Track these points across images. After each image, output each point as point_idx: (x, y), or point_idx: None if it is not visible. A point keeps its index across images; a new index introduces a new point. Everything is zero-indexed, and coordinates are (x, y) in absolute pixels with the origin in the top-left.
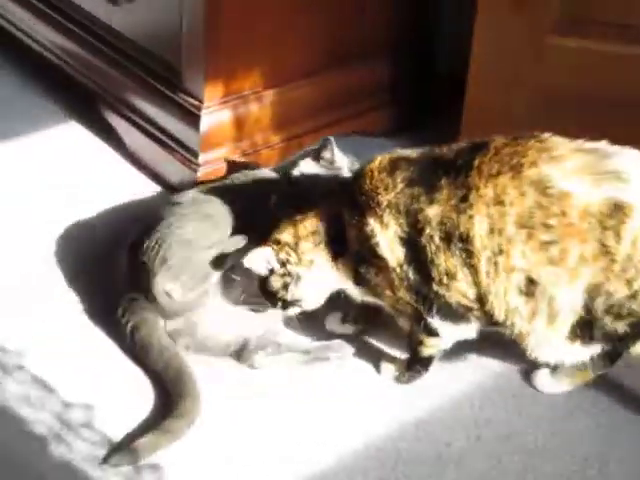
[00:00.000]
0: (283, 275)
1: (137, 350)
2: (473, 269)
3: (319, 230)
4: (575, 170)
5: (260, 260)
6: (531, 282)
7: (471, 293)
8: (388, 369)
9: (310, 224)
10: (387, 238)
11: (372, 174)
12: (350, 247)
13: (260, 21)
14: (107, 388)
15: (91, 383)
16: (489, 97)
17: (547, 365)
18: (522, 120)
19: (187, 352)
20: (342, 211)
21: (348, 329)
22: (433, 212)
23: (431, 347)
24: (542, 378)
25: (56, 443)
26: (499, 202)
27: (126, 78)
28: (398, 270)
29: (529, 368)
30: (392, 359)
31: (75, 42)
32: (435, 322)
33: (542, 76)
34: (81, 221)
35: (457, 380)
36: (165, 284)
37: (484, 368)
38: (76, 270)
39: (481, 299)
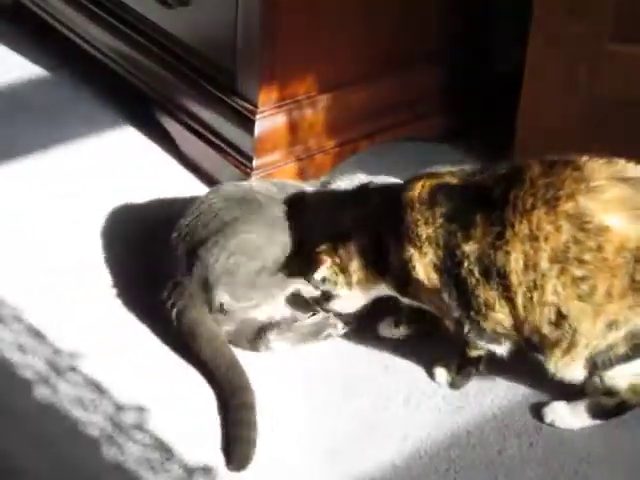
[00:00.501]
0: (324, 290)
1: (184, 336)
2: (510, 302)
3: (365, 249)
4: (614, 202)
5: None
6: (560, 315)
7: (508, 322)
8: (441, 374)
9: (355, 245)
10: (423, 265)
11: (413, 205)
12: (392, 265)
13: (315, 26)
14: (160, 390)
15: (144, 385)
16: (543, 104)
17: (566, 398)
18: (577, 128)
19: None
20: (382, 232)
21: (401, 332)
22: (470, 248)
23: (478, 349)
24: (558, 411)
25: (108, 445)
26: (534, 238)
27: (180, 81)
28: (434, 292)
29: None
30: (445, 363)
31: (129, 45)
32: (470, 338)
33: (598, 84)
34: (134, 222)
35: (509, 386)
36: (223, 296)
37: (537, 374)
38: (130, 272)
39: (518, 328)
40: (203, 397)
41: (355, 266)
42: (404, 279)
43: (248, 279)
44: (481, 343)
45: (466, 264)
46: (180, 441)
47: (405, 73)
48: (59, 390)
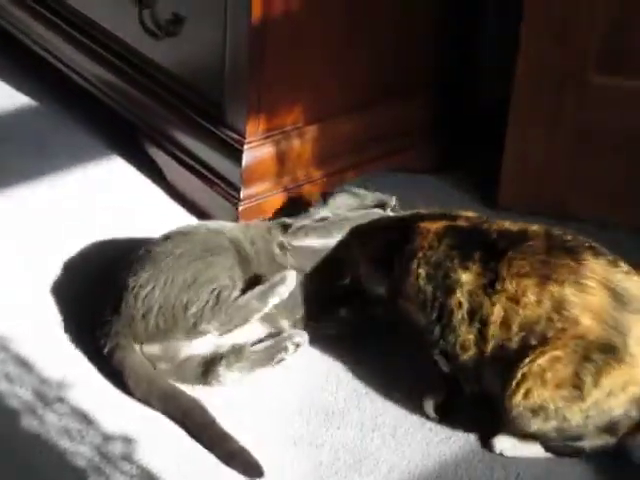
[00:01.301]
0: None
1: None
2: (480, 351)
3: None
4: (592, 308)
5: None
6: (510, 369)
7: (470, 365)
8: (429, 405)
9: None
10: (415, 286)
11: (427, 235)
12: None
13: (303, 57)
14: (147, 420)
15: (131, 415)
16: (529, 136)
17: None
18: (562, 160)
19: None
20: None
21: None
22: (466, 278)
23: (466, 384)
24: (506, 441)
25: (96, 476)
26: (516, 300)
27: (168, 111)
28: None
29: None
30: (433, 395)
31: (117, 75)
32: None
33: (584, 114)
34: (118, 252)
35: (494, 419)
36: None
37: None
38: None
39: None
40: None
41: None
42: (398, 290)
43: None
44: (445, 368)
45: (458, 294)
46: (167, 472)
47: (392, 105)
48: (46, 420)
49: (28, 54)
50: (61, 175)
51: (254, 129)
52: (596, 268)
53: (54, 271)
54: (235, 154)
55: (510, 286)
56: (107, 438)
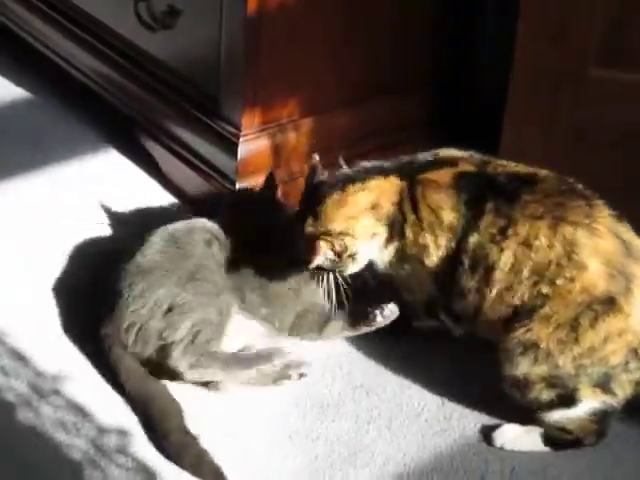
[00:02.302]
0: (341, 261)
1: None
2: (482, 296)
3: (380, 204)
4: (602, 253)
5: (320, 261)
6: (517, 313)
7: (468, 313)
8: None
9: (365, 198)
10: (437, 255)
11: (438, 188)
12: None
13: (299, 50)
14: None
15: (126, 407)
16: (526, 131)
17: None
18: (559, 156)
19: None
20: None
21: None
22: (473, 240)
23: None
24: (508, 434)
25: (91, 469)
26: (527, 244)
27: (164, 105)
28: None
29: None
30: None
31: (112, 68)
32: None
33: (581, 110)
34: (116, 244)
35: (492, 410)
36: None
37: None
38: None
39: (471, 320)
40: (186, 420)
41: (371, 221)
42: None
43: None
44: (443, 318)
45: (463, 255)
46: (163, 465)
47: (388, 100)
48: (42, 413)
49: (24, 47)
50: (58, 168)
51: (250, 122)
52: (607, 216)
53: (51, 265)
54: (231, 147)
55: (523, 230)
56: (102, 431)
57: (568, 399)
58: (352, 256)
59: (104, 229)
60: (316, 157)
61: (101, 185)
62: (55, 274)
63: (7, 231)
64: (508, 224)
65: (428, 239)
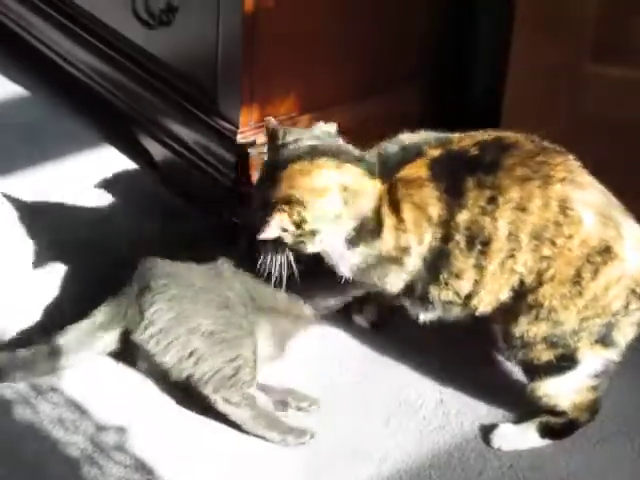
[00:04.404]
0: (299, 235)
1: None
2: (481, 270)
3: (354, 193)
4: (591, 204)
5: (276, 230)
6: (522, 284)
7: (466, 291)
8: (361, 320)
9: (337, 177)
10: (420, 251)
11: (421, 183)
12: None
13: (296, 47)
14: (141, 410)
15: (125, 405)
16: (524, 127)
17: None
18: None
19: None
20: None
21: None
22: (462, 217)
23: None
24: (505, 434)
25: (89, 466)
26: (522, 208)
27: (161, 101)
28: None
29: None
30: (360, 311)
31: (110, 64)
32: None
33: (578, 105)
34: (114, 244)
35: (490, 406)
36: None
37: (514, 397)
38: (108, 293)
39: (470, 295)
40: (184, 417)
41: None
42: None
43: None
44: (420, 312)
45: (456, 237)
46: (160, 460)
47: (384, 96)
48: (40, 410)
49: (20, 43)
50: (55, 165)
51: (247, 119)
52: (582, 170)
53: (46, 262)
54: (228, 144)
55: (514, 194)
56: (100, 428)
57: (568, 360)
58: (313, 233)
59: (99, 223)
60: (272, 120)
61: (98, 182)
62: (51, 268)
63: (2, 226)
64: (496, 193)
65: (411, 240)
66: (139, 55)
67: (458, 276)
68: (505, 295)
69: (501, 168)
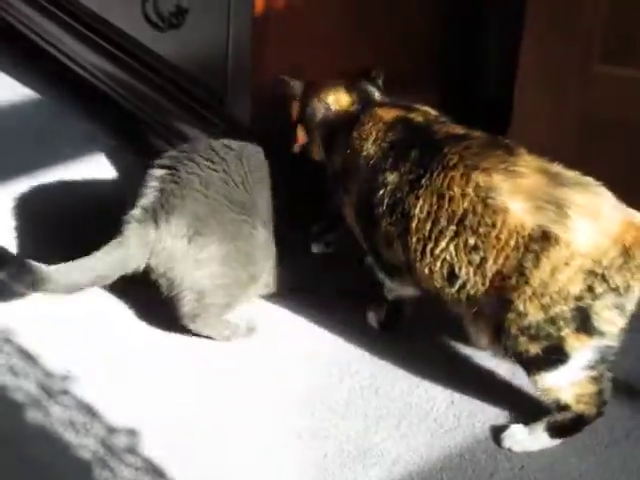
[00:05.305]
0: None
1: None
2: (406, 246)
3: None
4: (524, 189)
5: None
6: (453, 274)
7: (402, 260)
8: (372, 317)
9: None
10: (351, 181)
11: (375, 122)
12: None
13: (305, 51)
14: (151, 412)
15: (136, 407)
16: (534, 127)
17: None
18: (567, 150)
19: None
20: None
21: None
22: (392, 178)
23: (391, 290)
24: (515, 435)
25: (100, 469)
26: (441, 195)
27: (171, 104)
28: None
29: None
30: (375, 307)
31: (120, 67)
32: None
33: (588, 106)
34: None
35: (500, 408)
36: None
37: (525, 398)
38: (120, 298)
39: (410, 268)
40: (195, 420)
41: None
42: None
43: None
44: (382, 276)
45: (381, 192)
46: (171, 464)
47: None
48: (51, 413)
49: (31, 46)
50: (65, 168)
51: (257, 121)
52: (530, 160)
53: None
54: None
55: (437, 180)
56: (112, 431)
57: (557, 353)
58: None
59: (109, 226)
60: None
61: (108, 183)
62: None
63: (12, 229)
64: (424, 174)
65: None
66: (149, 57)
67: (388, 240)
68: (439, 282)
69: (439, 154)
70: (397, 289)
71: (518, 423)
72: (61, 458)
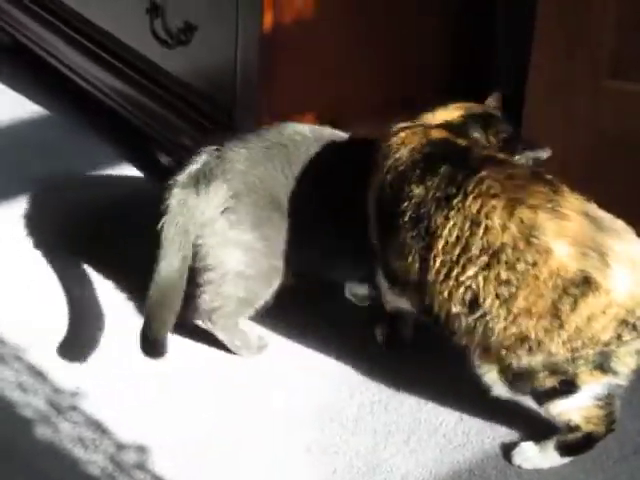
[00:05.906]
0: None
1: None
2: (423, 261)
3: None
4: (569, 233)
5: None
6: (476, 301)
7: (412, 275)
8: (378, 334)
9: None
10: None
11: (398, 148)
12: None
13: (313, 67)
14: (161, 429)
15: (145, 424)
16: (544, 142)
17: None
18: (577, 166)
19: None
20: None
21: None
22: (418, 191)
23: (387, 301)
24: (526, 453)
25: None
26: (477, 222)
27: (179, 120)
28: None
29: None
30: (381, 325)
31: (128, 83)
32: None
33: (597, 120)
34: (138, 262)
35: (509, 425)
36: None
37: (535, 415)
38: (128, 314)
39: (419, 287)
40: (205, 435)
41: None
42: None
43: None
44: (382, 281)
45: (405, 204)
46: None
47: (406, 112)
48: (60, 429)
49: (40, 64)
50: (75, 184)
51: None
52: (573, 200)
53: (69, 279)
54: None
55: (473, 205)
56: (121, 447)
57: (569, 385)
58: None
59: (123, 244)
60: None
61: (116, 199)
62: (70, 287)
63: (22, 245)
64: (456, 193)
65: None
66: (157, 74)
67: (401, 253)
68: (458, 307)
69: (476, 175)
70: (395, 300)
71: (528, 440)
72: (70, 474)
